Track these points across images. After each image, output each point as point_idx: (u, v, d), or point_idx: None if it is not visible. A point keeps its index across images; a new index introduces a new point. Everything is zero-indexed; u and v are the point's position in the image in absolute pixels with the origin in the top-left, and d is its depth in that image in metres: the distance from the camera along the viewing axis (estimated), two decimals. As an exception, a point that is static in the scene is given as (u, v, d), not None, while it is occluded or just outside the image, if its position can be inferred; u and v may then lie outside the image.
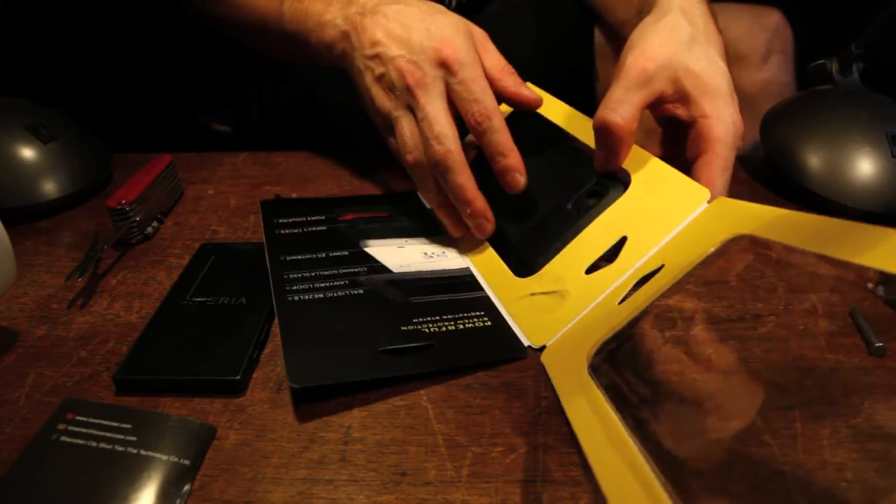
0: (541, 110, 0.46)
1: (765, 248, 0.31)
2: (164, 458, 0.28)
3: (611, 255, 0.36)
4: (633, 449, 0.24)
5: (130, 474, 0.28)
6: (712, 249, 0.31)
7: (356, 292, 0.39)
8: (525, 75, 0.66)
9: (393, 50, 0.42)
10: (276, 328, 0.38)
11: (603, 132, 0.37)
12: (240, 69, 0.73)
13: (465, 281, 0.41)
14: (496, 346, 0.36)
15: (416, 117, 0.42)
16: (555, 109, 0.47)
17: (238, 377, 0.33)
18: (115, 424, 0.30)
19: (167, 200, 0.50)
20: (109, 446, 0.29)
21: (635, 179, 0.38)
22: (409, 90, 0.41)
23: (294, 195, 0.53)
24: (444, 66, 0.40)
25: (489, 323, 0.37)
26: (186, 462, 0.29)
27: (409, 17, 0.42)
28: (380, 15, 0.43)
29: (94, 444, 0.29)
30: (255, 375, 0.34)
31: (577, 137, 0.43)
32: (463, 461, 0.29)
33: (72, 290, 0.41)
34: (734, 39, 0.73)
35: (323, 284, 0.39)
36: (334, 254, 0.43)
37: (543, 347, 0.35)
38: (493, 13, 0.68)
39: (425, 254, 0.44)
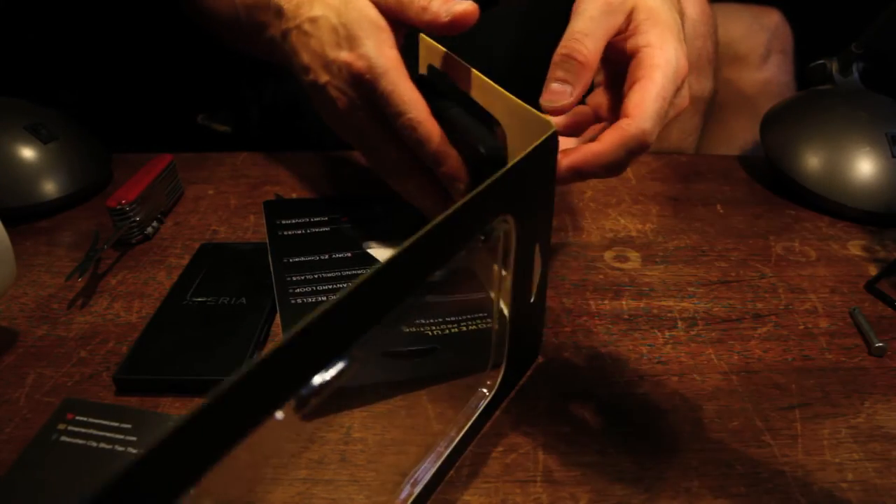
0: (442, 68, 0.42)
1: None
2: (164, 458, 0.28)
3: None
4: None
5: (130, 474, 0.28)
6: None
7: None
8: (525, 76, 0.66)
9: (321, 76, 0.40)
10: (276, 328, 0.38)
11: (566, 64, 0.34)
12: (240, 69, 0.73)
13: (472, 279, 0.41)
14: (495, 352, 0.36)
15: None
16: (450, 67, 0.42)
17: (238, 377, 0.33)
18: (115, 424, 0.30)
19: (167, 200, 0.50)
20: (109, 446, 0.29)
21: (507, 131, 0.34)
22: (346, 118, 0.40)
23: (294, 195, 0.53)
24: (362, 83, 0.38)
25: (496, 325, 0.37)
26: (186, 462, 0.29)
27: (322, 26, 0.39)
28: (302, 32, 0.40)
29: (94, 444, 0.29)
30: (255, 375, 0.34)
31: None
32: (463, 461, 0.29)
33: (72, 290, 0.41)
34: (734, 39, 0.74)
35: (326, 287, 0.39)
36: (337, 255, 0.43)
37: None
38: (492, 14, 0.68)
39: None
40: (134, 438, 0.29)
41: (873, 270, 0.44)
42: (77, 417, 0.30)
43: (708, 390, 0.33)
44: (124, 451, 0.28)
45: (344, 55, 0.38)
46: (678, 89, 0.35)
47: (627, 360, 0.35)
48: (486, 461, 0.29)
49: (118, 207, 0.44)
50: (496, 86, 0.35)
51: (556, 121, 0.39)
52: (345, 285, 0.39)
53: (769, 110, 0.58)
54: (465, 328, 0.37)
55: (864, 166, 0.50)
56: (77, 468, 0.28)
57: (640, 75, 0.34)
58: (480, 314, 0.38)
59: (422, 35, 0.44)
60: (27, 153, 0.50)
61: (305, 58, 0.41)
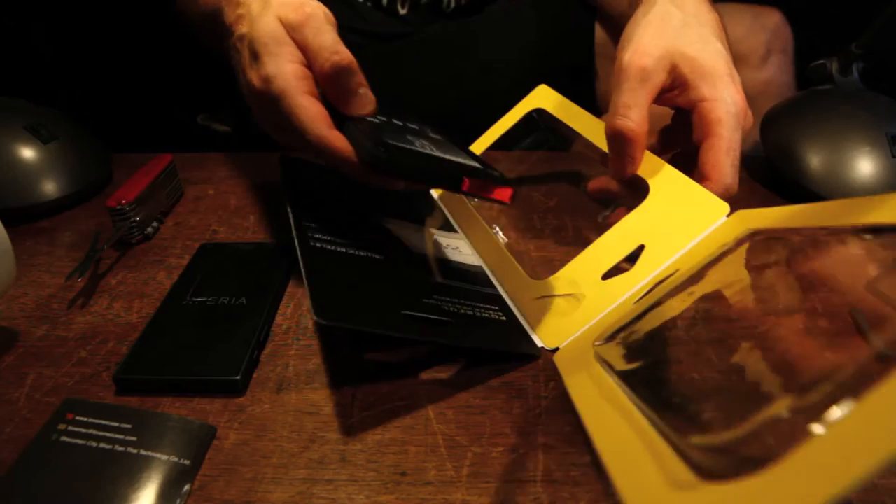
0: (564, 117, 0.46)
1: (776, 241, 0.31)
2: (164, 458, 0.28)
3: (628, 262, 0.36)
4: (637, 417, 0.23)
5: (130, 474, 0.28)
6: (724, 248, 0.31)
7: (377, 257, 0.39)
8: (526, 75, 0.66)
9: (248, 97, 0.41)
10: (276, 328, 0.38)
11: (618, 139, 0.37)
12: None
13: (480, 276, 0.42)
14: (510, 340, 0.36)
15: None
16: (566, 111, 0.46)
17: (238, 377, 0.33)
18: (115, 424, 0.30)
19: (167, 200, 0.50)
20: (109, 446, 0.29)
21: (653, 189, 0.37)
22: (274, 131, 0.41)
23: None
24: (267, 101, 0.38)
25: (503, 318, 0.38)
26: (186, 462, 0.29)
27: (244, 45, 0.40)
28: (235, 50, 0.42)
29: (94, 444, 0.29)
30: (255, 375, 0.34)
31: (591, 141, 0.42)
32: (463, 461, 0.29)
33: (72, 290, 0.41)
34: (734, 39, 0.73)
35: (343, 241, 0.39)
36: (354, 221, 0.43)
37: (556, 350, 0.35)
38: (493, 13, 0.68)
39: (440, 244, 0.44)
40: (134, 438, 0.29)
41: (873, 271, 0.44)
42: (77, 417, 0.30)
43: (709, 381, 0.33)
44: (124, 451, 0.29)
45: (252, 75, 0.39)
46: (742, 125, 0.37)
47: (627, 360, 0.35)
48: (487, 461, 0.29)
49: (118, 207, 0.44)
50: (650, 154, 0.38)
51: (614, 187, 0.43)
52: (364, 246, 0.39)
53: (769, 110, 0.58)
54: (478, 314, 0.37)
55: (864, 166, 0.50)
56: (77, 468, 0.28)
57: (706, 132, 0.37)
58: (493, 307, 0.38)
59: (543, 85, 0.49)
60: (27, 153, 0.50)
61: (239, 77, 0.42)
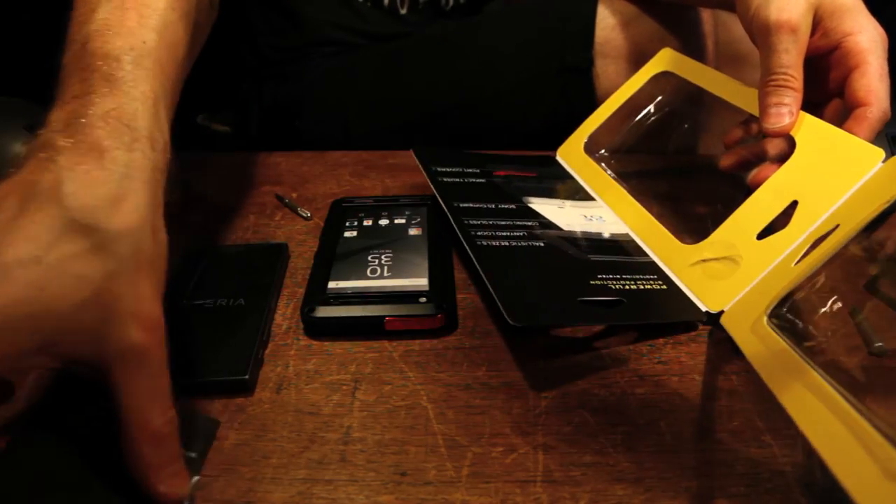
0: (694, 78, 0.46)
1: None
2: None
3: (781, 220, 0.36)
4: (838, 401, 0.24)
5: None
6: (887, 204, 0.30)
7: (537, 244, 0.40)
8: (525, 75, 0.66)
9: None
10: (277, 328, 0.38)
11: (780, 91, 0.37)
12: (240, 69, 0.73)
13: (631, 245, 0.42)
14: (676, 309, 0.37)
15: None
16: (697, 73, 0.46)
17: (247, 376, 0.33)
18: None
19: (167, 200, 0.50)
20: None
21: (800, 142, 0.37)
22: None
23: (294, 195, 0.53)
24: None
25: (664, 287, 0.38)
26: (193, 454, 0.28)
27: None
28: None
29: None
30: (255, 375, 0.34)
31: (728, 102, 0.42)
32: (463, 461, 0.29)
33: (72, 290, 0.41)
34: (734, 39, 0.74)
35: (504, 234, 0.40)
36: (503, 206, 0.43)
37: (720, 313, 0.35)
38: (492, 13, 0.68)
39: (585, 216, 0.45)
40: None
41: (873, 270, 0.44)
42: None
43: (708, 390, 0.33)
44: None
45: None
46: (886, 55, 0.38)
47: (627, 360, 0.35)
48: (486, 461, 0.29)
49: (118, 207, 0.44)
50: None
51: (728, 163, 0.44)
52: (522, 234, 0.40)
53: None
54: (641, 287, 0.38)
55: (865, 166, 0.50)
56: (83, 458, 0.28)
57: (854, 63, 0.38)
58: (651, 277, 0.39)
59: (668, 48, 0.48)
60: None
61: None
